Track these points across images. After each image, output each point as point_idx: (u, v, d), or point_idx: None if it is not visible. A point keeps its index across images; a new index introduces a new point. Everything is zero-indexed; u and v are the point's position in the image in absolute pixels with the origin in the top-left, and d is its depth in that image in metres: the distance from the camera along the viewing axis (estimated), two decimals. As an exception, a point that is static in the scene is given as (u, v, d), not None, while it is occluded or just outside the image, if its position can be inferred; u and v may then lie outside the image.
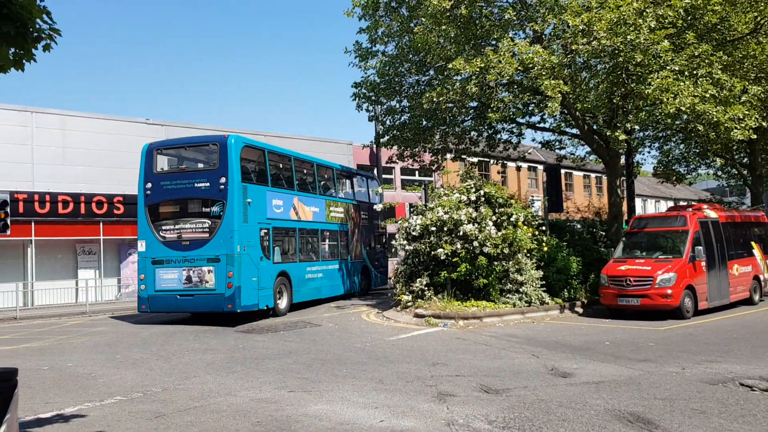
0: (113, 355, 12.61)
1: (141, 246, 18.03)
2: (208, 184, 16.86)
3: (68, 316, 21.45)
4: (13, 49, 5.26)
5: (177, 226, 17.27)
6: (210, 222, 16.76)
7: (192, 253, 16.85)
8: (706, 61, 16.97)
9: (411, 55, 21.13)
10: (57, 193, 24.83)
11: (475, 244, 16.79)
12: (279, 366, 10.76)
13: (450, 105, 19.06)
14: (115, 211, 26.22)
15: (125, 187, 26.48)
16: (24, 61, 5.41)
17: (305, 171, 21.74)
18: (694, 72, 16.93)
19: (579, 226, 22.59)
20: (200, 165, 18.83)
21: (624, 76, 17.55)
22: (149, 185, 17.99)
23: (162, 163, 18.76)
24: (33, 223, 24.39)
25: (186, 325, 17.23)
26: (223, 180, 16.56)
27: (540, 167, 44.69)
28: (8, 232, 21.29)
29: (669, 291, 15.78)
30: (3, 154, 23.94)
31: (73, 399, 8.69)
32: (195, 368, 10.83)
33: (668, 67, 16.41)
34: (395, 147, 24.00)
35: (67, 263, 26.27)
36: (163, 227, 17.49)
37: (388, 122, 23.59)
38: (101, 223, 25.98)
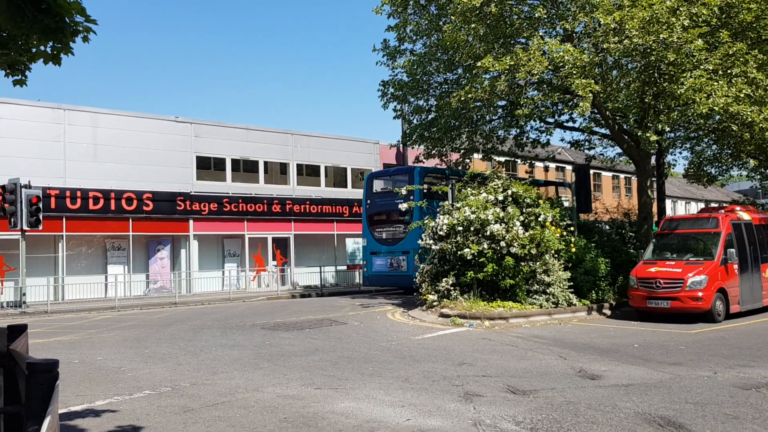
0: (142, 349, 12.76)
1: (363, 242, 26.46)
2: (402, 200, 21.94)
3: (98, 310, 21.78)
4: (51, 43, 5.30)
5: (384, 229, 24.80)
6: (403, 227, 23.11)
7: (393, 248, 24.30)
8: (741, 59, 16.65)
9: (439, 54, 21.07)
10: (88, 189, 25.24)
11: (502, 244, 16.67)
12: (305, 363, 10.80)
13: (478, 104, 18.97)
14: (144, 207, 26.57)
15: (154, 184, 26.88)
16: (62, 54, 5.45)
17: None
18: (728, 71, 16.62)
19: (608, 227, 22.31)
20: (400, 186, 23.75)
21: (656, 75, 17.31)
22: (369, 201, 25.50)
23: (377, 185, 26.39)
24: (64, 219, 24.82)
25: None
26: (411, 197, 21.42)
27: (569, 167, 44.28)
28: (40, 228, 21.79)
29: (700, 294, 15.51)
30: (36, 151, 24.40)
31: (103, 392, 8.81)
32: (222, 364, 10.91)
33: (702, 67, 16.14)
34: (422, 146, 23.94)
35: (96, 259, 26.70)
36: (377, 230, 25.18)
37: (415, 121, 23.55)
38: (130, 220, 26.34)
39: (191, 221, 28.02)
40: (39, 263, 24.65)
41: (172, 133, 28.14)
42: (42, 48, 5.38)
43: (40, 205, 21.56)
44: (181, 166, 28.09)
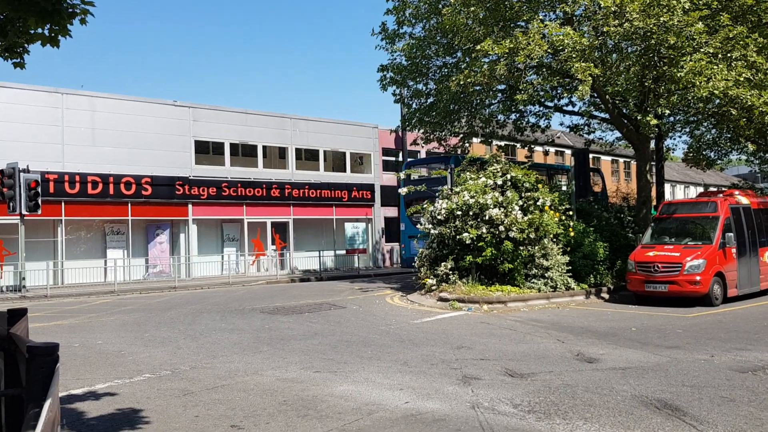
0: (142, 333, 12.81)
1: (402, 226, 27.46)
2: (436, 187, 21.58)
3: (97, 294, 21.83)
4: (48, 25, 5.27)
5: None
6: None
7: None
8: (741, 43, 16.56)
9: (439, 37, 20.95)
10: (86, 174, 25.18)
11: (501, 228, 16.69)
12: (304, 347, 10.85)
13: (477, 87, 18.89)
14: (143, 192, 26.53)
15: (153, 168, 26.83)
16: (59, 37, 5.42)
17: None
18: (729, 55, 16.54)
19: (606, 211, 22.30)
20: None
21: (656, 58, 17.23)
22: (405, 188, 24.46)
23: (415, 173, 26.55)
24: (63, 203, 24.79)
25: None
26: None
27: (568, 152, 44.20)
28: (39, 212, 21.77)
29: (698, 278, 15.55)
30: (34, 135, 24.31)
31: (103, 376, 8.86)
32: (222, 347, 10.96)
33: (702, 50, 16.06)
34: (421, 130, 23.87)
35: (96, 243, 26.70)
36: (414, 215, 23.93)
37: (414, 105, 23.46)
38: (129, 204, 26.31)
39: (190, 205, 28.00)
40: (38, 247, 24.66)
41: (171, 117, 28.04)
42: (39, 30, 5.36)
43: (39, 190, 21.53)
44: (179, 151, 28.01)
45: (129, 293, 22.24)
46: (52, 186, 24.25)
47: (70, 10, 5.24)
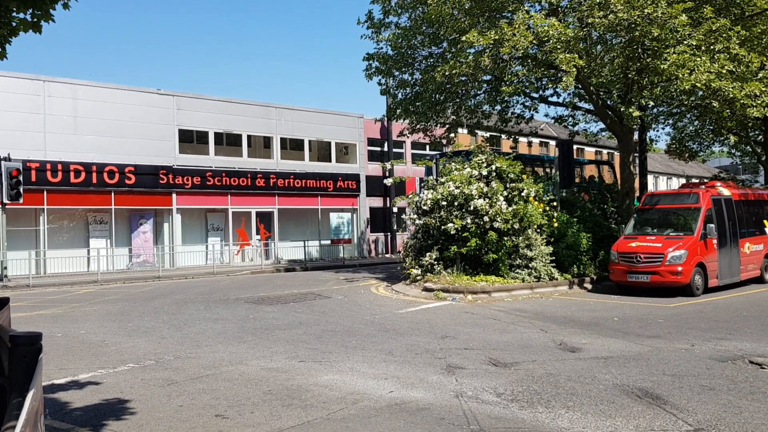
0: (125, 323, 12.75)
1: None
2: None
3: (80, 284, 21.67)
4: (31, 10, 5.19)
5: None
6: None
7: None
8: (724, 35, 16.68)
9: (424, 27, 20.89)
10: (69, 163, 24.92)
11: (486, 219, 16.77)
12: (289, 336, 10.86)
13: (463, 78, 18.88)
14: (127, 181, 26.32)
15: (136, 157, 26.61)
16: (42, 22, 5.34)
17: None
18: (711, 47, 16.66)
19: (590, 202, 22.45)
20: None
21: (640, 50, 17.30)
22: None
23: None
24: (45, 192, 24.53)
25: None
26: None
27: (552, 143, 44.34)
28: (21, 201, 21.51)
29: (679, 268, 15.73)
30: (15, 123, 23.99)
31: (86, 365, 8.82)
32: (206, 337, 10.94)
33: (685, 42, 16.15)
34: (406, 120, 23.85)
35: (78, 232, 26.47)
36: None
37: (399, 95, 23.41)
38: (113, 193, 26.09)
39: (174, 195, 27.82)
40: (20, 237, 24.41)
41: (154, 106, 27.79)
42: (22, 15, 5.28)
43: (21, 178, 21.26)
44: (163, 140, 27.78)
45: (112, 283, 22.10)
46: (33, 174, 23.97)
47: None
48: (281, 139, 32.05)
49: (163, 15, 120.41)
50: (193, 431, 5.98)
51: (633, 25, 15.99)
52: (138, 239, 27.41)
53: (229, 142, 31.29)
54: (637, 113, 17.39)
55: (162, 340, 10.80)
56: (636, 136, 23.85)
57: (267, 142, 32.38)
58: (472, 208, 16.96)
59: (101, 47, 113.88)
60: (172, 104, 28.29)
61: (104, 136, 26.07)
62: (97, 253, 25.24)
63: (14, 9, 5.10)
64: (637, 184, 23.53)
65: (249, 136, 31.20)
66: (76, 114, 25.59)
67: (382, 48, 22.56)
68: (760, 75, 17.59)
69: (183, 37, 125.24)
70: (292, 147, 33.02)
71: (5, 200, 20.96)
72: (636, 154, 24.24)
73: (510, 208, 16.98)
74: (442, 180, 18.30)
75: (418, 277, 17.54)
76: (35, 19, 5.28)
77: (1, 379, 2.64)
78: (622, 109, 18.26)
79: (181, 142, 28.67)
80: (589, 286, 17.92)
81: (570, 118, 26.76)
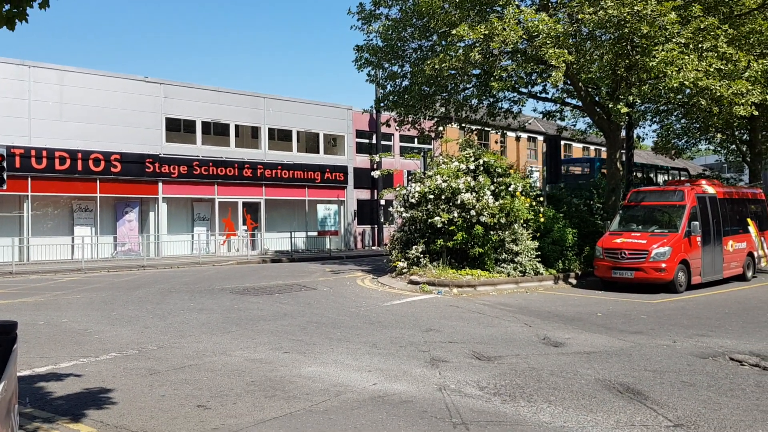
0: (109, 312, 12.67)
1: None
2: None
3: (64, 272, 21.50)
4: (7, 6, 5.11)
5: None
6: None
7: None
8: (712, 34, 16.77)
9: (415, 20, 20.83)
10: (54, 149, 24.67)
11: (473, 213, 16.80)
12: (274, 327, 10.84)
13: (452, 72, 18.86)
14: (112, 168, 26.10)
15: (122, 145, 26.39)
16: (16, 20, 5.27)
17: None
18: (699, 45, 16.75)
19: (576, 198, 22.56)
20: None
21: (629, 47, 17.36)
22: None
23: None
24: (29, 179, 24.28)
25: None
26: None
27: (540, 138, 44.51)
28: (4, 187, 21.17)
29: (663, 265, 15.85)
30: (0, 108, 23.70)
31: (68, 354, 8.75)
32: (190, 327, 10.90)
33: (674, 40, 16.22)
34: (395, 113, 23.80)
35: (63, 220, 26.24)
36: None
37: (389, 87, 23.34)
38: (98, 181, 25.87)
39: (160, 184, 27.64)
40: (3, 223, 24.17)
41: (141, 94, 27.54)
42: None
43: (4, 164, 20.95)
44: (150, 128, 27.56)
45: (96, 271, 21.95)
46: (18, 161, 23.71)
47: None
48: (269, 129, 31.90)
49: (151, 2, 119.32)
50: (174, 421, 5.95)
51: (622, 22, 16.03)
52: (123, 228, 27.22)
53: (216, 131, 31.10)
54: (625, 110, 17.45)
55: (145, 329, 10.74)
56: (623, 133, 23.95)
57: (255, 132, 32.22)
58: (459, 201, 16.98)
59: (89, 34, 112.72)
60: (160, 92, 28.07)
61: (90, 123, 25.81)
62: (81, 241, 25.05)
63: None
64: (623, 180, 23.62)
65: (237, 126, 31.03)
66: (62, 100, 25.32)
67: (372, 39, 22.50)
68: (747, 74, 17.70)
69: (171, 26, 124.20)
70: (280, 137, 32.88)
71: (-12, 186, 20.70)
72: (623, 151, 24.36)
73: (497, 203, 17.02)
74: (430, 173, 18.30)
75: (404, 270, 17.55)
76: (10, 16, 5.21)
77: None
78: (610, 106, 18.32)
79: (168, 131, 28.46)
80: (574, 282, 18.01)
81: (558, 114, 26.84)
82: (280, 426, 5.80)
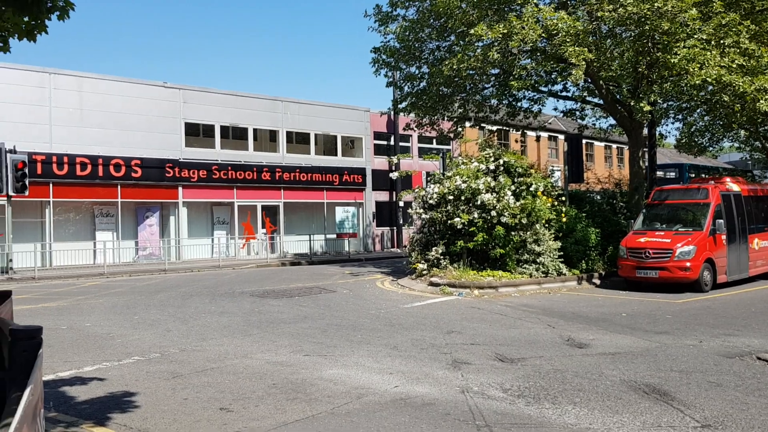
0: (131, 316, 12.75)
1: None
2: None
3: (86, 277, 21.70)
4: (26, 19, 5.15)
5: None
6: None
7: None
8: (734, 29, 16.51)
9: (432, 20, 20.73)
10: (75, 155, 24.92)
11: (493, 213, 16.68)
12: (294, 330, 10.82)
13: (471, 72, 18.75)
14: (133, 174, 26.32)
15: (142, 150, 26.61)
16: (36, 32, 5.31)
17: None
18: (721, 41, 16.49)
19: (599, 197, 22.33)
20: None
21: (650, 44, 17.15)
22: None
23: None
24: (51, 185, 24.56)
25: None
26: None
27: (560, 137, 44.19)
28: (26, 193, 21.55)
29: (688, 264, 15.62)
30: (21, 115, 24.00)
31: (91, 358, 8.80)
32: (212, 330, 10.92)
33: (695, 36, 15.99)
34: (413, 114, 23.72)
35: (84, 225, 26.50)
36: None
37: (406, 88, 23.28)
38: (119, 186, 26.11)
39: (180, 188, 27.82)
40: (26, 229, 24.45)
41: (161, 99, 27.77)
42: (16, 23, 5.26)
43: (26, 171, 21.29)
44: (169, 133, 27.77)
45: (118, 276, 22.13)
46: (39, 167, 23.98)
47: (50, 4, 5.11)
48: (287, 132, 32.00)
49: (169, 8, 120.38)
50: (197, 424, 5.94)
51: (643, 19, 15.84)
52: (144, 232, 27.44)
53: (235, 135, 31.26)
54: (647, 108, 17.23)
55: (167, 333, 10.78)
56: (645, 131, 23.67)
57: (273, 135, 32.32)
58: (479, 202, 16.87)
59: (107, 39, 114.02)
60: (179, 97, 28.28)
61: (110, 128, 26.06)
62: (103, 245, 25.27)
63: (9, 16, 5.08)
64: (646, 179, 23.35)
65: (255, 130, 31.16)
66: (82, 107, 25.59)
67: (389, 41, 22.45)
68: (770, 69, 17.40)
69: (189, 31, 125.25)
70: (298, 141, 32.96)
71: (11, 192, 20.98)
72: (645, 149, 24.08)
73: (518, 203, 16.88)
74: (449, 174, 18.21)
75: (424, 272, 17.47)
76: (29, 28, 5.25)
77: (1, 373, 2.60)
78: (631, 104, 18.12)
79: (188, 136, 28.66)
80: (598, 282, 17.82)
81: (579, 112, 26.60)
82: (302, 429, 5.76)
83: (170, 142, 27.67)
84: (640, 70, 18.17)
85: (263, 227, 30.81)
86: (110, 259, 25.21)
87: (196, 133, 29.79)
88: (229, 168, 29.12)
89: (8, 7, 4.84)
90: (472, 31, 16.92)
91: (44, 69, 25.01)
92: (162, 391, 7.05)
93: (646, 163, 23.71)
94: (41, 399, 2.55)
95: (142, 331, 10.93)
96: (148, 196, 27.17)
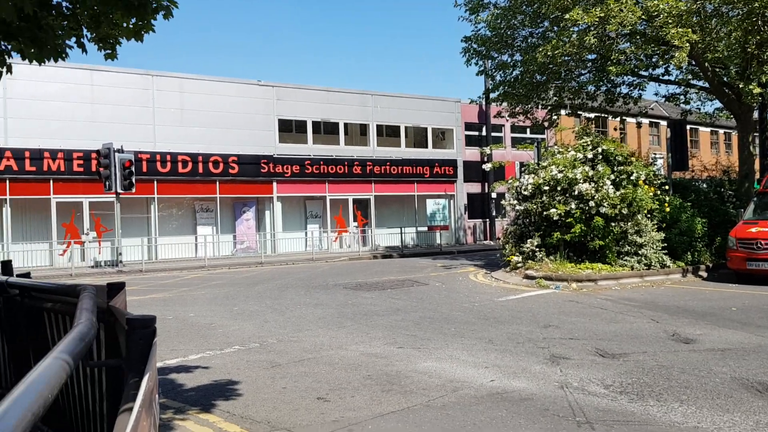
0: (231, 307, 13.19)
1: None
2: None
3: (188, 269, 22.68)
4: (134, 20, 5.36)
5: None
6: None
7: None
8: None
9: (524, 6, 20.28)
10: (177, 153, 26.08)
11: (591, 204, 16.12)
12: (387, 322, 10.86)
13: (566, 58, 18.20)
14: (230, 170, 27.26)
15: (239, 147, 27.50)
16: (143, 32, 5.52)
17: None
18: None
19: (705, 185, 21.15)
20: None
21: (760, 22, 16.07)
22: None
23: None
24: (155, 182, 25.81)
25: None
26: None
27: (663, 123, 42.21)
28: (133, 190, 22.76)
29: (805, 256, 14.54)
30: (128, 116, 25.34)
31: (195, 347, 9.16)
32: (307, 322, 11.13)
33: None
34: (505, 103, 23.30)
35: (186, 220, 27.72)
36: None
37: (498, 77, 22.87)
38: (217, 182, 27.11)
39: (275, 183, 28.58)
40: (133, 224, 25.83)
41: (255, 97, 28.60)
42: (125, 25, 5.47)
43: (133, 169, 22.47)
44: (264, 129, 28.57)
45: (218, 268, 22.99)
46: (144, 165, 25.24)
47: (155, 4, 5.30)
48: (377, 126, 32.19)
49: (262, 8, 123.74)
50: (296, 413, 6.05)
51: (752, -5, 14.86)
52: (241, 226, 28.39)
53: (326, 130, 31.76)
54: (757, 90, 16.18)
55: (265, 323, 11.08)
56: (756, 115, 22.25)
57: (363, 129, 32.61)
58: (576, 192, 16.35)
59: (203, 39, 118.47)
60: (272, 95, 29.01)
61: (209, 127, 27.08)
62: (204, 239, 26.35)
63: (118, 18, 5.29)
64: (757, 166, 21.95)
65: (346, 124, 31.54)
66: (183, 107, 26.72)
67: (480, 30, 22.12)
68: None
69: (281, 28, 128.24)
70: (388, 134, 33.10)
71: (119, 190, 22.22)
72: (756, 134, 22.62)
73: (618, 193, 16.24)
74: (544, 164, 17.74)
75: (519, 265, 17.13)
76: (137, 29, 5.45)
77: (119, 360, 2.71)
78: (740, 86, 17.07)
79: (281, 132, 29.37)
80: (705, 275, 16.90)
81: (682, 97, 25.30)
82: (398, 420, 5.75)
83: (265, 138, 28.46)
84: (749, 50, 17.07)
85: (355, 220, 31.18)
86: (210, 253, 26.24)
87: (289, 129, 30.48)
88: (321, 162, 29.63)
89: (118, 10, 5.06)
90: (567, 16, 16.41)
91: (148, 72, 26.27)
92: (262, 380, 7.24)
93: (757, 149, 22.28)
94: (156, 385, 2.64)
95: (242, 322, 11.28)
96: (245, 191, 28.07)
